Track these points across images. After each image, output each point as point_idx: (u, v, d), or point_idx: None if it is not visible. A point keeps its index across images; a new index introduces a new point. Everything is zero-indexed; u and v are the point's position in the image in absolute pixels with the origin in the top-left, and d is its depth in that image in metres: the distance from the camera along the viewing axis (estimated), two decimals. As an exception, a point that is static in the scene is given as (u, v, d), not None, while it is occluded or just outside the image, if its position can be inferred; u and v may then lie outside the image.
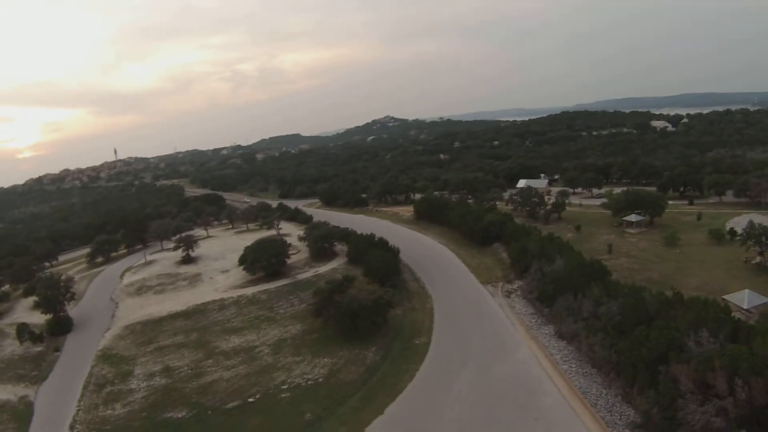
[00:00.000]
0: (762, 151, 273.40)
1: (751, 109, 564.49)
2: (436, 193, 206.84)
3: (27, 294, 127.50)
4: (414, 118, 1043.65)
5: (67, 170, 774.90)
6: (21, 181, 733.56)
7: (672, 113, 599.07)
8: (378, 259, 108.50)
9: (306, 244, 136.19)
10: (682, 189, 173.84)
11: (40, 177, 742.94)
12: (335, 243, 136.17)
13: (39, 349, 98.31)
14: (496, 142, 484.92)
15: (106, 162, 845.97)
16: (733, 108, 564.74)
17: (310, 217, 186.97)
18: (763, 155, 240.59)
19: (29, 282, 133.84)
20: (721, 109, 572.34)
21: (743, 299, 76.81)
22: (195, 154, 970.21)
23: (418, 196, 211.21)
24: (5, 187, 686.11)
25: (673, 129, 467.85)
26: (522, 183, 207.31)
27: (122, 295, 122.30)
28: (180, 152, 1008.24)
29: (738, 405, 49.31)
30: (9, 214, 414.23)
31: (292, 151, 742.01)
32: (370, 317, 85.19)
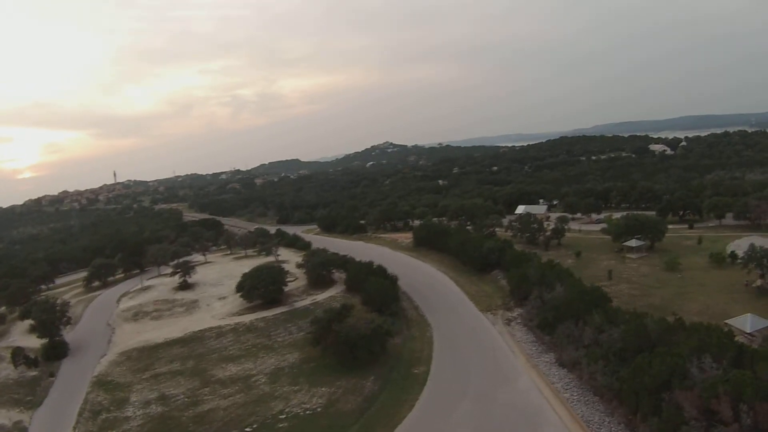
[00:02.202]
0: (761, 172, 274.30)
1: (749, 131, 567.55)
2: (434, 219, 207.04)
3: (23, 317, 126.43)
4: (413, 144, 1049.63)
5: (66, 192, 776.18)
6: (20, 202, 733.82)
7: (670, 136, 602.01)
8: (376, 287, 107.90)
9: (304, 271, 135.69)
10: (681, 213, 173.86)
11: (39, 198, 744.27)
12: (333, 270, 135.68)
13: (34, 373, 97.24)
14: (495, 168, 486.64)
15: (105, 184, 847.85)
16: (731, 130, 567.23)
17: (309, 244, 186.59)
18: (762, 177, 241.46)
19: (25, 305, 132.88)
20: (719, 131, 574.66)
21: (746, 323, 76.18)
22: (194, 178, 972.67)
23: (416, 222, 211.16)
24: (4, 207, 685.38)
25: (672, 152, 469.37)
26: (521, 209, 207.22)
27: (119, 320, 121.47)
28: (179, 176, 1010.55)
29: (743, 431, 48.72)
30: (7, 234, 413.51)
31: (291, 177, 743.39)
32: (369, 346, 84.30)
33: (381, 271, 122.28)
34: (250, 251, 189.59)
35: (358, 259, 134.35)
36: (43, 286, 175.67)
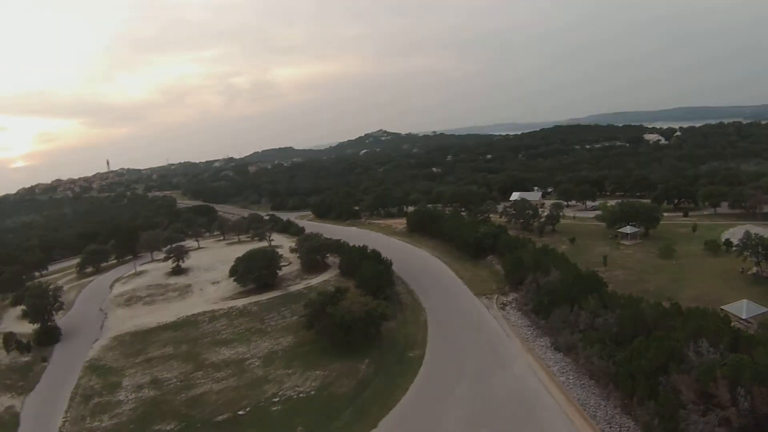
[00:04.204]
0: (756, 163, 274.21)
1: (744, 122, 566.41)
2: (429, 205, 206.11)
3: (15, 303, 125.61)
4: (407, 132, 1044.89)
5: (59, 180, 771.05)
6: (13, 191, 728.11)
7: (665, 127, 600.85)
8: (371, 271, 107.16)
9: (298, 255, 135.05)
10: (676, 201, 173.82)
11: (32, 187, 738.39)
12: (327, 255, 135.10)
13: (26, 359, 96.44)
14: (489, 156, 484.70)
15: (98, 173, 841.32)
16: (726, 121, 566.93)
17: (302, 229, 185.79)
18: (756, 167, 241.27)
19: (18, 291, 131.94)
20: (713, 122, 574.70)
21: (742, 309, 76.34)
22: (187, 166, 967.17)
23: (411, 208, 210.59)
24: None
25: (666, 142, 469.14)
26: (515, 195, 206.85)
27: (111, 305, 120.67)
28: (173, 164, 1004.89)
29: (741, 415, 48.51)
30: (1, 223, 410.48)
31: (285, 164, 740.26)
32: (363, 329, 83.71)
33: (375, 255, 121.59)
34: (243, 237, 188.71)
35: (352, 244, 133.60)
36: (36, 273, 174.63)
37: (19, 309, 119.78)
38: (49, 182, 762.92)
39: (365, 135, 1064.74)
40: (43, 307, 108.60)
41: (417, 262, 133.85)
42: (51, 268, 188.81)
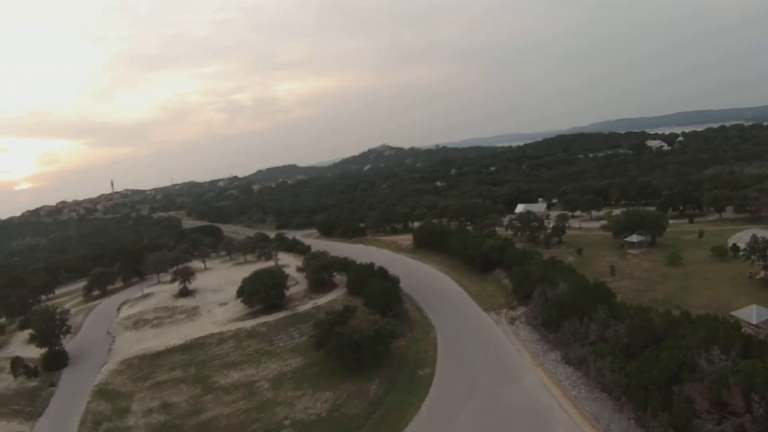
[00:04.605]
0: (759, 165, 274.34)
1: (746, 125, 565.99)
2: (434, 220, 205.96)
3: (22, 327, 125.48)
4: (410, 147, 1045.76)
5: (64, 202, 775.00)
6: (18, 213, 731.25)
7: (667, 132, 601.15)
8: (378, 289, 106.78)
9: (305, 275, 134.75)
10: (681, 207, 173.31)
11: (36, 209, 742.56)
12: (334, 273, 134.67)
13: (34, 383, 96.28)
14: (493, 168, 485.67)
15: (102, 194, 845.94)
16: (728, 124, 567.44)
17: (309, 248, 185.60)
18: (760, 170, 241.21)
19: (25, 315, 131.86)
20: (715, 125, 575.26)
21: (751, 315, 75.87)
22: (192, 185, 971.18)
23: (416, 224, 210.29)
24: (2, 219, 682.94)
25: (669, 148, 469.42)
26: (520, 207, 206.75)
27: (119, 328, 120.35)
28: (177, 184, 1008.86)
29: (756, 421, 48.10)
30: (6, 245, 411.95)
31: (289, 182, 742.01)
32: (373, 348, 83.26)
33: (382, 273, 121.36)
34: (249, 257, 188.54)
35: (358, 262, 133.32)
36: (43, 296, 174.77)
37: (26, 333, 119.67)
38: (54, 204, 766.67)
39: (368, 150, 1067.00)
40: (50, 331, 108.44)
41: (424, 279, 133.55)
42: (57, 291, 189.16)
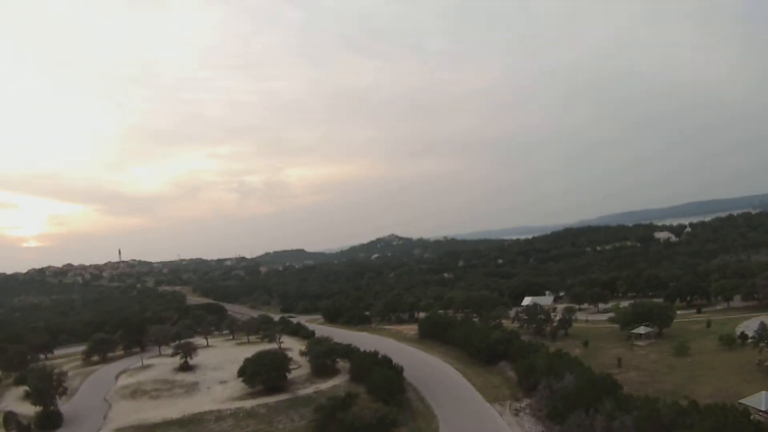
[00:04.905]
0: (767, 253, 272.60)
1: (753, 212, 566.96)
2: (440, 311, 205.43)
3: (18, 383, 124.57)
4: (418, 237, 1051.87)
5: (70, 265, 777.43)
6: (23, 270, 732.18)
7: (675, 223, 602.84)
8: (382, 377, 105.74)
9: (307, 359, 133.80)
10: (689, 298, 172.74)
11: (42, 268, 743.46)
12: (337, 360, 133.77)
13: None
14: (501, 261, 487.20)
15: (109, 261, 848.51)
16: (736, 213, 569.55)
17: (313, 332, 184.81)
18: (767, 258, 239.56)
19: (22, 371, 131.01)
20: (723, 215, 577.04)
21: (761, 401, 74.14)
22: (198, 262, 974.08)
23: (422, 314, 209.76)
24: (7, 273, 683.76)
25: (677, 239, 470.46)
26: (527, 300, 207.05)
27: (116, 396, 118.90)
28: (184, 260, 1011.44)
29: None
30: (8, 301, 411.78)
31: (296, 266, 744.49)
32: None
33: (386, 361, 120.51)
34: (252, 337, 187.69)
35: (362, 349, 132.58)
36: (41, 355, 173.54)
37: (21, 390, 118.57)
38: (60, 266, 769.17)
39: (377, 240, 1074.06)
40: (46, 390, 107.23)
41: (428, 369, 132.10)
42: (56, 352, 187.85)
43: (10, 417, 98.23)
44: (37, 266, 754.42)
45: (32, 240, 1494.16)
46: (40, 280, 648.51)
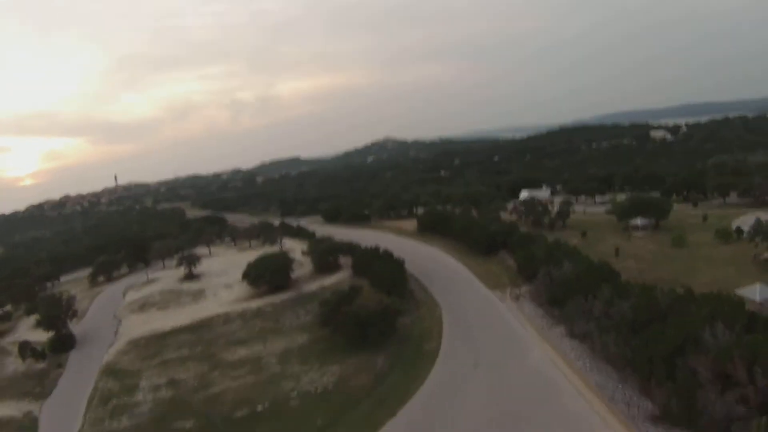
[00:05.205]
0: (763, 154, 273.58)
1: (750, 116, 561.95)
2: (439, 207, 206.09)
3: (29, 313, 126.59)
4: (413, 139, 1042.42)
5: (67, 196, 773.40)
6: (22, 208, 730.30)
7: (671, 123, 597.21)
8: (384, 270, 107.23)
9: (310, 258, 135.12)
10: (686, 192, 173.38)
11: (40, 203, 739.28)
12: (340, 256, 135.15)
13: (42, 366, 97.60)
14: (496, 158, 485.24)
15: (106, 188, 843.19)
16: (732, 115, 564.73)
17: (313, 233, 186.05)
18: (764, 158, 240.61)
19: (31, 301, 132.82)
20: (719, 117, 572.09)
21: (755, 293, 76.35)
22: (195, 178, 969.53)
23: (420, 210, 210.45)
24: (6, 214, 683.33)
25: (673, 138, 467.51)
26: (524, 194, 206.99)
27: (125, 312, 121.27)
28: (180, 177, 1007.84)
29: (759, 393, 48.46)
30: (10, 238, 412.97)
31: (292, 174, 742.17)
32: (379, 325, 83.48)
33: (387, 255, 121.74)
34: (254, 243, 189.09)
35: (363, 246, 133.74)
36: (48, 284, 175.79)
37: (32, 319, 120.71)
38: (58, 199, 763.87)
39: (372, 143, 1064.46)
40: (56, 315, 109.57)
41: (429, 260, 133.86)
42: (62, 279, 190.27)
43: (24, 345, 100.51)
44: (35, 203, 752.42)
45: (28, 179, 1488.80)
46: (39, 215, 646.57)
